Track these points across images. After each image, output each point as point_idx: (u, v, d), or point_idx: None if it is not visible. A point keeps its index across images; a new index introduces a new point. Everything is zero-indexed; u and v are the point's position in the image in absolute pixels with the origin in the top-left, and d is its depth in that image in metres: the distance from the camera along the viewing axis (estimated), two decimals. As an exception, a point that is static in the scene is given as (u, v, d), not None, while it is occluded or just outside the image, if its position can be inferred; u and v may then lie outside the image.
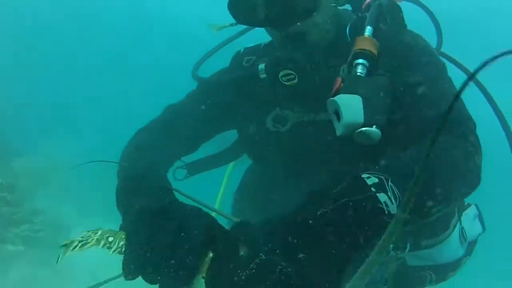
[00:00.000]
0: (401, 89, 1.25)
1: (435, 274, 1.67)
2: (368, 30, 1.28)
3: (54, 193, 4.55)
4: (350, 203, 0.79)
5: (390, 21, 1.39)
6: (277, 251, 0.75)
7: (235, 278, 0.73)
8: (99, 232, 0.95)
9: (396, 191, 0.84)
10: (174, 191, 1.08)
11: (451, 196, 1.04)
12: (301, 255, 0.73)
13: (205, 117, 1.58)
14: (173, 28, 12.35)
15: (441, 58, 1.51)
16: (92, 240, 0.94)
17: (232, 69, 1.62)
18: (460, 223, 1.71)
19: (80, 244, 0.94)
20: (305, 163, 1.50)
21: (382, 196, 0.81)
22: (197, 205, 0.95)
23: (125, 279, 0.84)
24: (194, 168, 1.83)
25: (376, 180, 0.84)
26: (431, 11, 1.79)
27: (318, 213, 0.77)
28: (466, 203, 1.84)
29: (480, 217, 1.85)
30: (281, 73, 1.37)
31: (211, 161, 1.90)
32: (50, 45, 11.63)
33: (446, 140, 1.11)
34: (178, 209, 0.89)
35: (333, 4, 1.43)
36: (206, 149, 1.83)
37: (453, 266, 1.73)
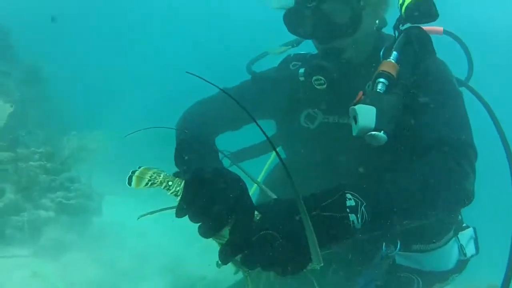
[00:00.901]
0: (412, 106, 1.50)
1: (421, 280, 1.77)
2: (394, 55, 1.53)
3: (93, 165, 4.62)
4: (327, 216, 1.07)
5: (418, 47, 1.58)
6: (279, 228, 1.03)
7: (247, 237, 1.02)
8: (162, 175, 1.21)
9: (365, 215, 1.10)
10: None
11: (417, 213, 1.25)
12: (279, 236, 1.02)
13: (249, 101, 1.86)
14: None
15: (462, 88, 1.78)
16: (157, 181, 1.20)
17: (280, 69, 1.94)
18: (458, 241, 1.89)
19: (150, 183, 1.20)
20: (327, 158, 1.78)
21: (352, 216, 1.08)
22: (238, 172, 1.22)
23: (176, 216, 1.10)
24: (238, 157, 2.10)
25: (353, 203, 1.10)
26: (466, 46, 2.02)
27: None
28: (464, 225, 1.98)
29: (475, 240, 1.97)
30: (314, 78, 1.65)
31: (251, 151, 2.19)
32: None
33: (436, 162, 1.33)
34: (225, 174, 1.13)
35: (374, 28, 1.71)
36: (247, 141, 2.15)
37: (440, 277, 1.84)
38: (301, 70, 1.75)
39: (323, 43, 1.70)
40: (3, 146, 3.86)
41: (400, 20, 1.63)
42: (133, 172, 1.24)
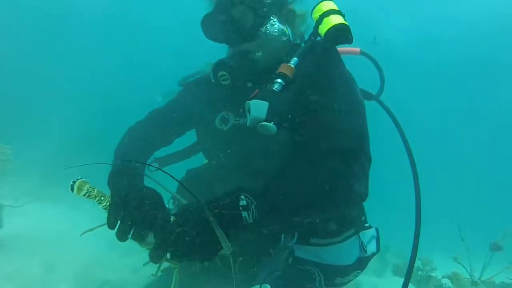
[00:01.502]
0: (305, 103, 1.68)
1: (322, 274, 1.84)
2: (294, 60, 1.76)
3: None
4: (224, 213, 1.36)
5: (321, 56, 1.81)
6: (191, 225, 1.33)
7: (168, 237, 1.31)
8: (96, 190, 1.53)
9: (255, 212, 1.38)
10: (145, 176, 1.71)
11: (305, 211, 1.51)
12: (194, 232, 1.32)
13: (177, 117, 2.05)
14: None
15: (372, 102, 2.15)
16: (93, 194, 1.52)
17: (200, 77, 2.13)
18: (359, 238, 2.00)
19: (87, 194, 1.52)
20: (239, 157, 1.90)
21: (244, 213, 1.38)
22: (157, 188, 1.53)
23: (109, 228, 1.40)
24: (165, 161, 2.31)
25: (245, 203, 1.39)
26: (379, 65, 2.24)
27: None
28: (367, 225, 2.09)
29: (377, 239, 2.10)
30: (219, 74, 1.78)
31: (176, 156, 2.37)
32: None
33: (327, 167, 1.52)
34: (141, 188, 1.49)
35: (284, 39, 1.87)
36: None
37: (340, 271, 1.91)
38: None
39: (232, 45, 1.87)
40: None
41: (314, 36, 1.83)
42: (74, 182, 1.53)
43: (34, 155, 6.59)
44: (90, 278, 3.59)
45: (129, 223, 1.36)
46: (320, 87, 1.71)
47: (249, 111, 1.63)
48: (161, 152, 2.20)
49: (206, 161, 2.25)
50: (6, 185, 4.67)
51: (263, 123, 1.60)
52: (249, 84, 1.84)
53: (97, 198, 1.51)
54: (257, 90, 1.72)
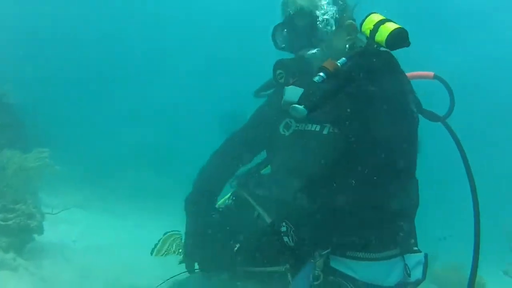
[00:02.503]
0: (355, 94, 1.76)
1: None
2: (341, 59, 1.82)
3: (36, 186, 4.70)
4: (267, 240, 1.76)
5: (376, 60, 1.85)
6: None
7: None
8: (174, 245, 2.10)
9: (293, 236, 1.69)
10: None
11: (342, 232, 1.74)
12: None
13: (259, 138, 2.28)
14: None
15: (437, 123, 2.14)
16: (171, 251, 2.07)
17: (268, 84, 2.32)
18: (404, 260, 1.91)
19: (165, 253, 2.06)
20: (298, 161, 2.00)
21: (285, 238, 1.70)
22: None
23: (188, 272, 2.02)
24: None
25: (285, 229, 1.71)
26: (451, 90, 2.22)
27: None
28: (416, 248, 2.01)
29: (424, 266, 2.00)
30: (277, 72, 1.93)
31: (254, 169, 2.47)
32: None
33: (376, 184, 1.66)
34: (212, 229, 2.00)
35: (347, 46, 2.01)
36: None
37: None
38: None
39: (291, 52, 2.06)
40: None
41: (371, 45, 1.89)
42: (157, 242, 2.11)
43: (79, 161, 6.84)
44: (121, 285, 3.70)
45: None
46: (370, 90, 1.77)
47: (283, 95, 1.74)
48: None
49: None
50: (46, 191, 4.86)
51: (294, 105, 1.67)
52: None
53: (176, 252, 2.06)
54: (296, 78, 1.83)
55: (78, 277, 3.76)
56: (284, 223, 1.74)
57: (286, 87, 1.76)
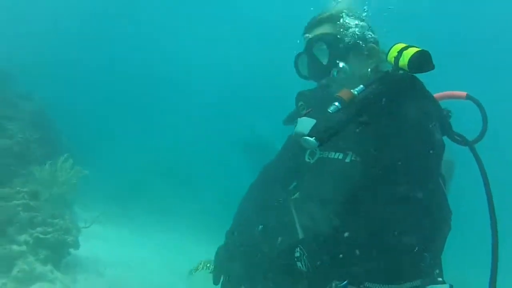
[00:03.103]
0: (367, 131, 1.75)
1: None
2: (359, 87, 1.80)
3: (71, 200, 4.93)
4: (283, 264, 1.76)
5: (388, 86, 1.81)
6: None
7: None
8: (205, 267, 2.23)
9: (306, 262, 1.68)
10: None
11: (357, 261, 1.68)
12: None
13: (292, 166, 2.21)
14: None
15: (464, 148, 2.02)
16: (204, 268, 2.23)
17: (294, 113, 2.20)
18: None
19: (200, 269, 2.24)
20: (321, 189, 1.97)
21: (298, 264, 1.68)
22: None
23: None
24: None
25: (298, 254, 1.69)
26: (485, 111, 2.11)
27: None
28: (440, 279, 1.89)
29: None
30: (299, 104, 2.03)
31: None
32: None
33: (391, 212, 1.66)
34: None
35: (369, 70, 1.96)
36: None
37: None
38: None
39: (314, 80, 2.07)
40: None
41: (395, 70, 1.86)
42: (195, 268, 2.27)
43: (109, 175, 7.06)
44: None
45: None
46: (387, 119, 1.76)
47: (295, 126, 1.73)
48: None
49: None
50: (79, 204, 5.05)
51: (304, 137, 1.66)
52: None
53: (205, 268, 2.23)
54: (310, 109, 1.82)
55: (110, 292, 3.94)
56: (298, 248, 1.72)
57: (299, 118, 1.74)
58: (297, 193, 2.19)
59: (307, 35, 2.06)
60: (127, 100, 11.88)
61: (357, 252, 1.67)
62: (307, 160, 2.09)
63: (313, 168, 2.04)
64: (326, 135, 1.67)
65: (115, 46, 13.40)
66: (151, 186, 7.82)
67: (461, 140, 2.03)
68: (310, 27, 2.07)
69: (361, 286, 1.71)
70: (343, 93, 1.77)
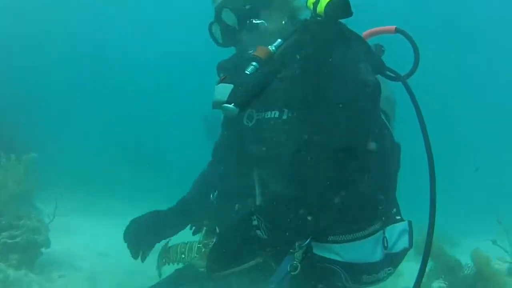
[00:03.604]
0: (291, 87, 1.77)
1: (346, 273, 1.79)
2: (277, 42, 1.79)
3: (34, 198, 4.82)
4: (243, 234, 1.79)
5: (307, 35, 1.78)
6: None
7: None
8: (175, 256, 2.14)
9: (265, 229, 1.70)
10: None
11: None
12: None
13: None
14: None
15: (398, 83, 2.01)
16: (171, 260, 2.16)
17: None
18: (384, 233, 1.88)
19: (166, 263, 2.18)
20: (262, 150, 1.94)
21: (258, 232, 1.71)
22: None
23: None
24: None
25: (256, 222, 1.70)
26: (416, 45, 2.07)
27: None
28: (398, 217, 1.99)
29: (410, 234, 1.98)
30: (220, 75, 1.90)
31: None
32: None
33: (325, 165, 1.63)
34: None
35: (283, 22, 1.96)
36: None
37: (367, 269, 1.84)
38: None
39: (229, 47, 2.07)
40: None
41: (314, 17, 1.82)
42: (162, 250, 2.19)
43: (68, 163, 6.90)
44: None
45: None
46: (309, 71, 1.72)
47: (213, 94, 1.67)
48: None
49: None
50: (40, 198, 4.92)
51: (224, 105, 1.60)
52: None
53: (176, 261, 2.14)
54: (226, 75, 1.73)
55: (89, 285, 3.95)
56: (255, 217, 1.72)
57: (215, 86, 1.68)
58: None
59: (213, 3, 2.04)
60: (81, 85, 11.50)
61: (313, 209, 1.65)
62: (245, 123, 2.04)
63: (253, 131, 1.99)
64: (245, 98, 1.63)
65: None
66: (114, 169, 7.72)
67: (394, 76, 2.03)
68: None
69: (325, 241, 1.77)
70: (259, 51, 1.74)
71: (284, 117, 1.85)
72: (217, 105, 1.63)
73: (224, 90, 1.63)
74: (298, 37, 1.79)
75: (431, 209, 1.74)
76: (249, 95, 1.65)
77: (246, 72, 1.69)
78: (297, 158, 1.72)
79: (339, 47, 1.75)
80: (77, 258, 4.37)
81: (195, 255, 2.04)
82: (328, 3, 1.69)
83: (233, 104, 1.60)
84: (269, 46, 1.76)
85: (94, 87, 11.88)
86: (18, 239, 3.95)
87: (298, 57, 1.75)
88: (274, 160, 1.86)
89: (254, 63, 1.70)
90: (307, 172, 1.66)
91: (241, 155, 2.12)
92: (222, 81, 1.67)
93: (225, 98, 1.59)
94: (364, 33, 2.11)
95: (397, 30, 2.14)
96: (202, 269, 1.98)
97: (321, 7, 1.72)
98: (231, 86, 1.63)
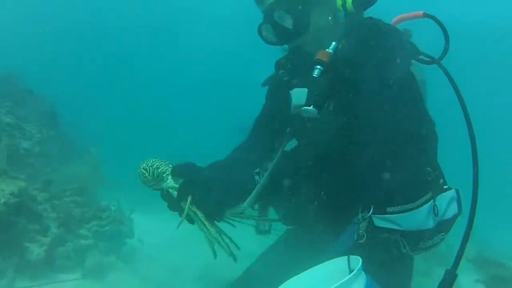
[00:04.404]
0: (344, 83, 1.84)
1: (405, 240, 1.90)
2: (332, 45, 1.85)
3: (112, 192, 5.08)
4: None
5: (355, 32, 1.88)
6: None
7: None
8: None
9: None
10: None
11: None
12: None
13: (268, 123, 2.23)
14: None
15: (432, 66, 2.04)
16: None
17: (273, 77, 2.22)
18: (434, 201, 1.97)
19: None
20: (308, 143, 2.09)
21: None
22: None
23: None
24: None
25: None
26: (445, 28, 2.10)
27: None
28: (446, 187, 2.08)
29: (458, 200, 2.09)
30: (279, 72, 2.00)
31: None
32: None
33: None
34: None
35: (329, 18, 1.99)
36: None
37: (422, 236, 1.94)
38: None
39: (282, 45, 2.09)
40: (39, 187, 4.34)
41: (348, 15, 1.93)
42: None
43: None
44: (213, 278, 4.07)
45: None
46: (358, 67, 1.83)
47: (290, 99, 1.80)
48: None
49: None
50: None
51: (304, 107, 1.73)
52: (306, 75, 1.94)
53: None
54: (298, 80, 1.84)
55: (170, 276, 4.15)
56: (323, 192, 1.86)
57: (291, 91, 1.80)
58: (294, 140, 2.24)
59: (260, 5, 2.07)
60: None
61: (371, 184, 1.81)
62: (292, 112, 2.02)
63: (309, 121, 2.00)
64: (321, 100, 1.76)
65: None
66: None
67: (429, 60, 2.08)
68: None
69: (384, 212, 1.87)
70: (321, 55, 1.83)
71: (331, 108, 1.95)
72: (298, 108, 1.77)
73: (300, 94, 1.77)
74: (346, 41, 1.91)
75: (474, 186, 1.85)
76: (325, 97, 1.79)
77: (314, 75, 1.81)
78: (355, 139, 1.85)
79: (376, 41, 1.89)
80: (155, 249, 4.56)
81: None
82: None
83: (312, 106, 1.75)
84: (328, 49, 1.86)
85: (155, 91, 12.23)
86: (106, 228, 4.19)
87: (350, 61, 1.87)
88: (324, 149, 1.98)
89: (319, 67, 1.82)
90: (366, 152, 1.79)
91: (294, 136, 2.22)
92: (295, 85, 1.82)
93: (303, 102, 1.75)
94: (393, 20, 2.20)
95: (425, 15, 2.18)
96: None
97: (349, 4, 1.87)
98: (305, 90, 1.78)
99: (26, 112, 6.97)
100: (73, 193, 4.52)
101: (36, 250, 3.46)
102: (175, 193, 1.74)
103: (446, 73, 2.04)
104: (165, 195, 1.81)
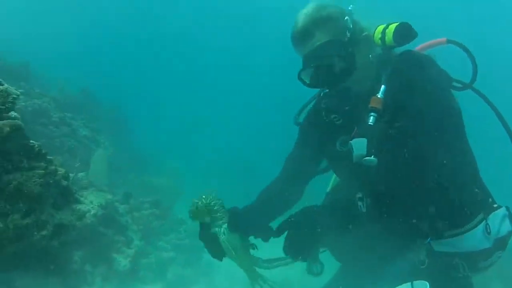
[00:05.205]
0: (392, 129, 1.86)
1: (465, 262, 1.97)
2: (382, 89, 1.88)
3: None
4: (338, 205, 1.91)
5: (406, 76, 1.91)
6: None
7: None
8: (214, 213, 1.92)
9: (368, 201, 1.77)
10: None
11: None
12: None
13: (309, 155, 2.25)
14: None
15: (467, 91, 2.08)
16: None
17: (315, 111, 2.25)
18: (486, 221, 2.03)
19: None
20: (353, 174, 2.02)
21: (359, 203, 1.78)
22: None
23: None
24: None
25: (360, 195, 1.79)
26: (469, 51, 2.08)
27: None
28: (496, 205, 2.13)
29: (510, 217, 2.13)
30: (332, 116, 2.05)
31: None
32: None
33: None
34: None
35: (370, 56, 2.00)
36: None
37: (482, 255, 2.00)
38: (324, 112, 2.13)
39: (330, 88, 2.06)
40: (119, 199, 4.47)
41: (387, 50, 1.97)
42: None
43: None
44: None
45: None
46: (404, 112, 1.88)
47: (352, 149, 1.84)
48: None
49: None
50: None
51: (366, 158, 1.80)
52: (357, 113, 1.99)
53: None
54: (356, 129, 1.92)
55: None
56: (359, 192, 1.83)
57: (351, 142, 1.85)
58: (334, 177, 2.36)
59: (302, 49, 2.02)
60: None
61: (429, 213, 1.84)
62: (338, 149, 2.12)
63: (348, 155, 1.98)
64: (379, 148, 1.81)
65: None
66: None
67: (461, 86, 2.08)
68: (300, 38, 2.01)
69: (441, 237, 1.93)
70: (374, 102, 1.86)
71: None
72: (360, 158, 1.83)
73: (361, 144, 1.83)
74: (392, 84, 1.91)
75: None
76: (381, 144, 1.83)
77: (370, 123, 1.85)
78: (401, 171, 1.83)
79: (419, 73, 1.92)
80: (233, 265, 4.56)
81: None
82: (394, 31, 1.87)
83: (372, 156, 1.80)
84: (378, 95, 1.88)
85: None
86: (185, 241, 4.26)
87: (401, 107, 1.89)
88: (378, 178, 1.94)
89: (373, 114, 1.86)
90: (419, 185, 1.80)
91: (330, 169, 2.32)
92: (355, 135, 1.88)
93: (364, 152, 1.82)
94: (416, 48, 2.18)
95: (448, 41, 2.20)
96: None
97: (389, 38, 1.88)
98: (365, 140, 1.83)
99: (99, 125, 7.24)
100: (151, 205, 4.62)
101: (122, 261, 3.55)
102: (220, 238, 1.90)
103: (482, 96, 2.11)
104: (208, 234, 1.93)
